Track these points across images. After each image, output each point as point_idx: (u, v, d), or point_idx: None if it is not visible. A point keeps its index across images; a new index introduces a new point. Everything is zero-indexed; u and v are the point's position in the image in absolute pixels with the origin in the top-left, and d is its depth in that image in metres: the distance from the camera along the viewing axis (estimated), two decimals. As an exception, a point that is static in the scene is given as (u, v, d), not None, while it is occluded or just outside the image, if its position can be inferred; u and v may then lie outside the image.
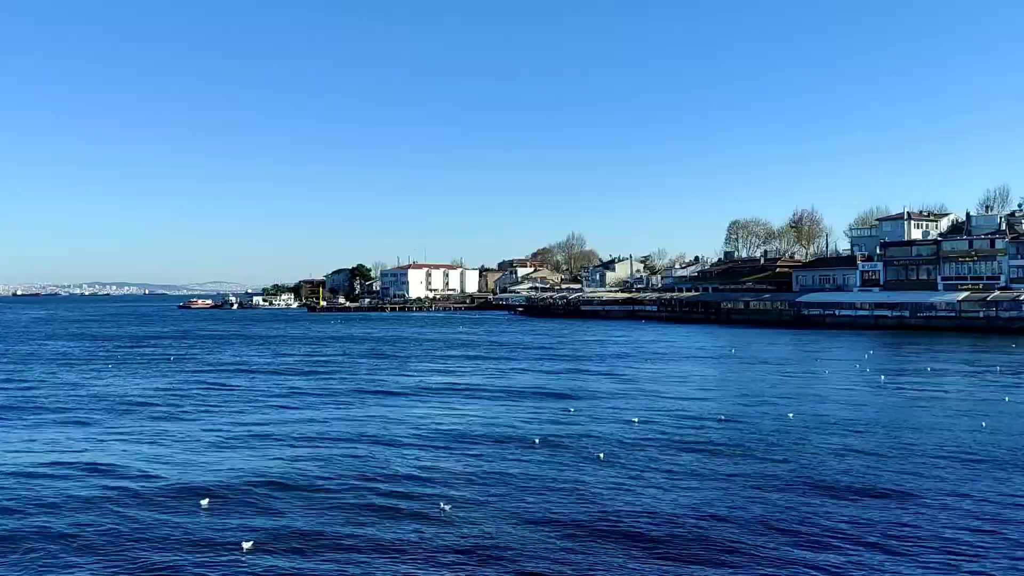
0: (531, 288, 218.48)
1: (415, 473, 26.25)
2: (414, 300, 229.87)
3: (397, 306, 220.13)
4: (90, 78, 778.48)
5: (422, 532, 20.03)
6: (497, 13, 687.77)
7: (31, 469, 27.38)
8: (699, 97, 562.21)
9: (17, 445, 31.90)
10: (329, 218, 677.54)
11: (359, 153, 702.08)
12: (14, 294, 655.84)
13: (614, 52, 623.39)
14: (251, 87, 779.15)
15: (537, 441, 30.81)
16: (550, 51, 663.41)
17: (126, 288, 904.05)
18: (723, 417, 35.97)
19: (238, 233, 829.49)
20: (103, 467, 27.62)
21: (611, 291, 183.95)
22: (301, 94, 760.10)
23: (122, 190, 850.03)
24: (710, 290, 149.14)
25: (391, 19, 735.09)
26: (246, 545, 18.87)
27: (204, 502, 22.56)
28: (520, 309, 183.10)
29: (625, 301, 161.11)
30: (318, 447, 30.80)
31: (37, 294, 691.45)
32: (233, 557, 18.46)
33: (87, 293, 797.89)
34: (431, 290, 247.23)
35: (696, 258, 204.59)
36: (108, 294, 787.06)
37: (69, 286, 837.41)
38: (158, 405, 43.07)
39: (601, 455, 28.15)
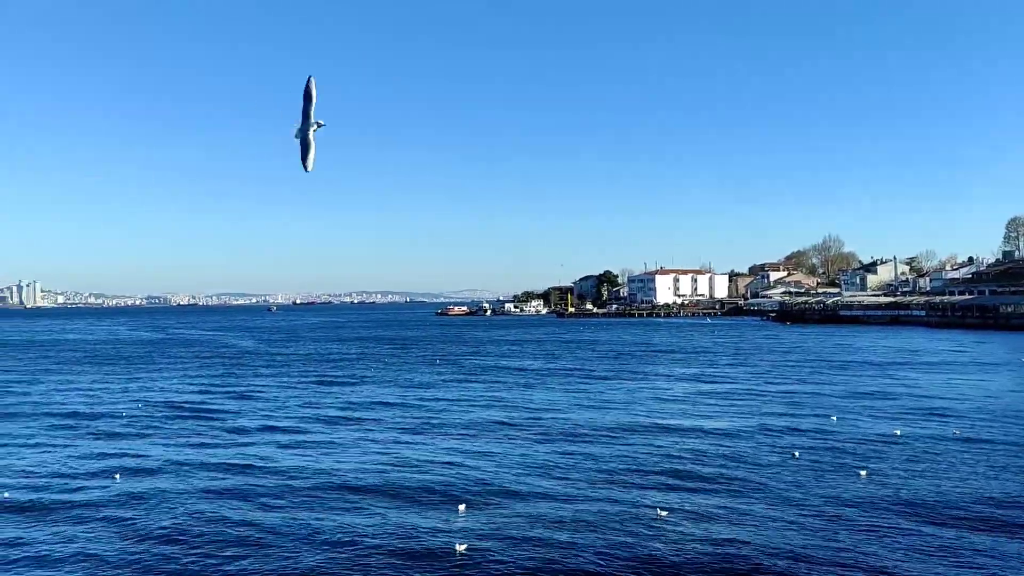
0: (784, 293, 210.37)
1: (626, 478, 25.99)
2: (662, 306, 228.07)
3: (645, 312, 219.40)
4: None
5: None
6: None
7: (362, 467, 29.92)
8: (971, 86, 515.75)
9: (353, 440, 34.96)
10: (577, 226, 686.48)
11: (604, 161, 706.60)
12: (294, 303, 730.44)
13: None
14: (509, 94, 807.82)
15: (797, 455, 29.29)
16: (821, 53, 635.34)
17: (389, 296, 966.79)
18: None
19: (489, 243, 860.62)
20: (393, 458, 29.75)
21: (872, 295, 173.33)
22: (545, 105, 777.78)
23: (384, 203, 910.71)
24: (987, 293, 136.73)
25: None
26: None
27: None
28: (772, 315, 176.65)
29: (888, 305, 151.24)
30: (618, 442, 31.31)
31: (312, 303, 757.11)
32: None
33: (355, 302, 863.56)
34: (679, 295, 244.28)
35: (970, 259, 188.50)
36: (374, 302, 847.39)
37: (340, 295, 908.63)
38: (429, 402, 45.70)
39: (863, 472, 26.18)
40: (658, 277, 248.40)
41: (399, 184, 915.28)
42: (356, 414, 42.17)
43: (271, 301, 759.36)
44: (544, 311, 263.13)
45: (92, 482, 26.84)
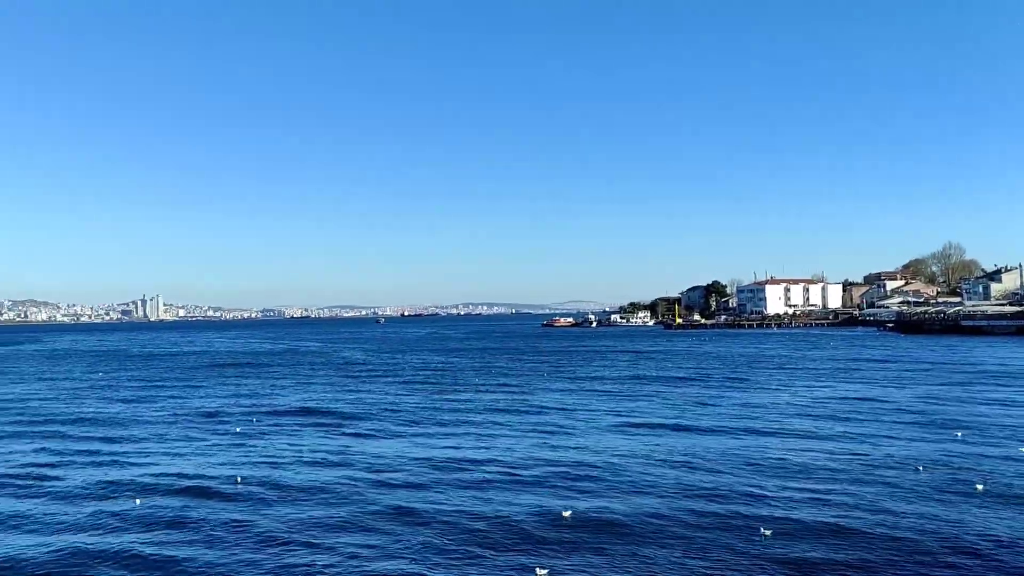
0: (902, 302, 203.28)
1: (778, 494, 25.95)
2: (772, 316, 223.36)
3: (755, 323, 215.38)
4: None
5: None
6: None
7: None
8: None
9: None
10: (684, 236, 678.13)
11: (709, 165, 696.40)
12: (402, 315, 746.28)
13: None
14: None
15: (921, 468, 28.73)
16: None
17: (495, 308, 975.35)
18: None
19: (595, 254, 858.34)
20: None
21: (997, 304, 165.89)
22: (654, 108, 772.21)
23: (490, 216, 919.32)
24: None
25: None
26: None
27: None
28: (890, 325, 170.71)
29: (1014, 315, 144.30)
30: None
31: (420, 315, 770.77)
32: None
33: (462, 313, 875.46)
34: (790, 305, 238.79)
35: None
36: (480, 313, 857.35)
37: (446, 307, 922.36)
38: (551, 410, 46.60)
39: (980, 486, 25.24)
40: (768, 287, 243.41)
41: (504, 195, 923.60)
42: (474, 419, 43.22)
43: (379, 313, 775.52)
44: (651, 322, 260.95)
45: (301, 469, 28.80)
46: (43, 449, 36.66)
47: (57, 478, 29.89)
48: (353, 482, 27.97)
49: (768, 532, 20.77)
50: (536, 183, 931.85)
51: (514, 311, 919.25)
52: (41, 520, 23.86)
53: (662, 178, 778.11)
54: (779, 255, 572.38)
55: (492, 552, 20.00)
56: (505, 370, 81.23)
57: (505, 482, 27.63)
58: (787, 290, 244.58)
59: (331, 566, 19.13)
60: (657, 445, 34.23)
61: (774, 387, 59.14)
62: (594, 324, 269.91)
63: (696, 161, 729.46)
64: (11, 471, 31.43)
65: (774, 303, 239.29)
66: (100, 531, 22.54)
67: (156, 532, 22.27)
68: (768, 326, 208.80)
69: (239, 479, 28.54)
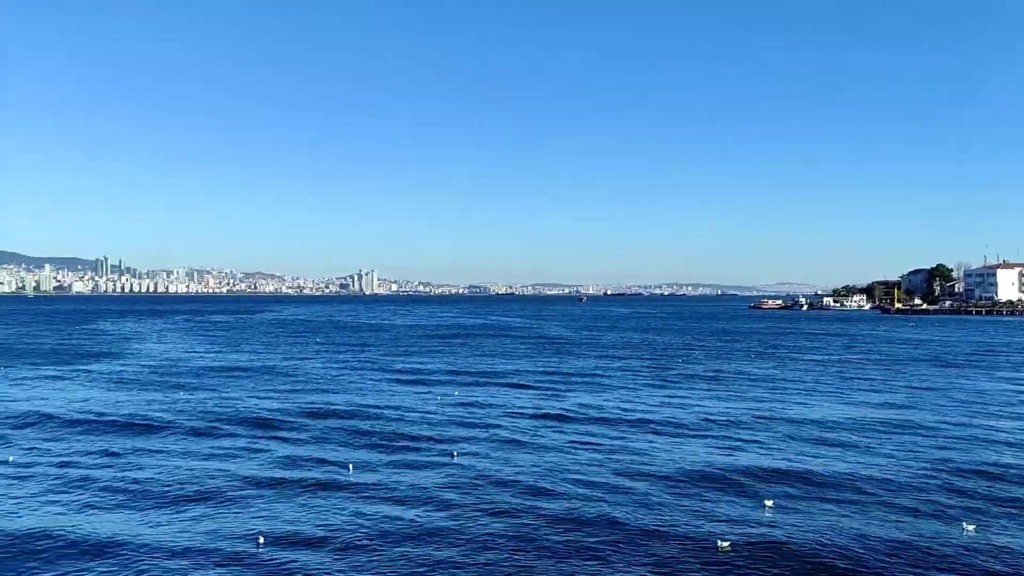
0: None
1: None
2: (1004, 303, 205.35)
3: (983, 309, 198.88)
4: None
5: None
6: None
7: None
8: None
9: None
10: (905, 214, 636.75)
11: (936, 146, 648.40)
12: (604, 293, 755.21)
13: None
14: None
15: None
16: None
17: (700, 289, 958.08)
18: None
19: (805, 234, 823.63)
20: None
21: None
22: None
23: (699, 197, 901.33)
24: None
25: None
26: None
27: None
28: None
29: None
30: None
31: (622, 294, 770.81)
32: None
33: (665, 293, 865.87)
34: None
35: None
36: (684, 294, 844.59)
37: (650, 287, 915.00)
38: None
39: None
40: (1000, 272, 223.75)
41: (708, 176, 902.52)
42: (688, 402, 42.50)
43: (581, 291, 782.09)
44: (867, 306, 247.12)
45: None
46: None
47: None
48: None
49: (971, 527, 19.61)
50: (757, 167, 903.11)
51: (720, 292, 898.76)
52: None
53: (874, 160, 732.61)
54: (1014, 238, 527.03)
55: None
56: (710, 349, 79.36)
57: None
58: (1021, 275, 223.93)
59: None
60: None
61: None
62: (805, 307, 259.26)
63: (922, 140, 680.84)
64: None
65: (1007, 289, 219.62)
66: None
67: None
68: (999, 313, 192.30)
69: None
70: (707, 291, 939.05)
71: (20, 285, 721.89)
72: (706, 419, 35.36)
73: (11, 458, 27.07)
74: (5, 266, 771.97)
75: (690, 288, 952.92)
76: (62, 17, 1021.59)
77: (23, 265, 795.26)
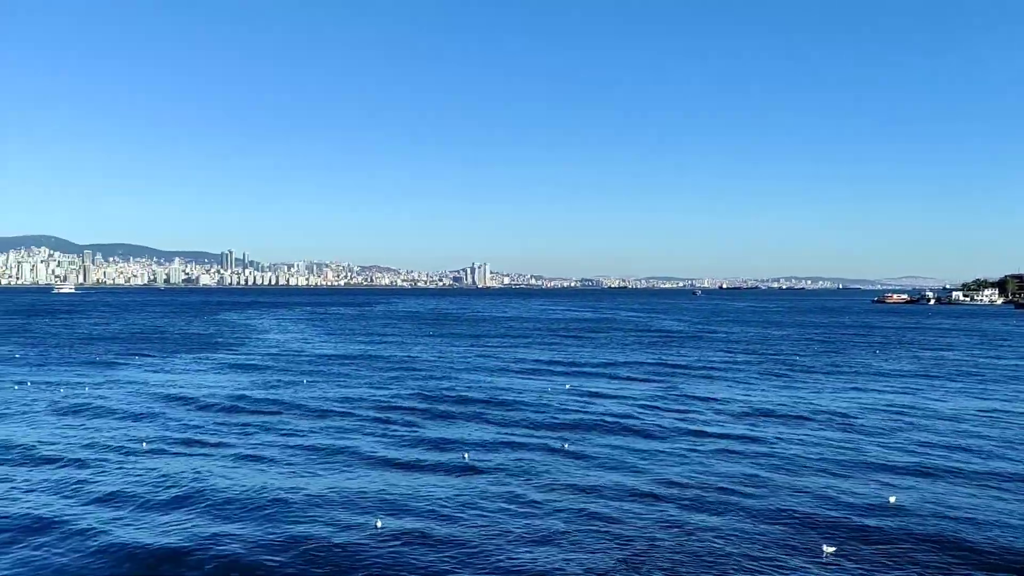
0: None
1: None
2: None
3: None
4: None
5: None
6: None
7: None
8: None
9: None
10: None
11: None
12: (720, 287, 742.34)
13: None
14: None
15: None
16: None
17: (820, 283, 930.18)
18: None
19: (933, 225, 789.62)
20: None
21: None
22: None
23: (818, 190, 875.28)
24: None
25: None
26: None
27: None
28: None
29: None
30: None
31: (739, 287, 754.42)
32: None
33: (784, 287, 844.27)
34: None
35: None
36: (802, 288, 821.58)
37: (767, 280, 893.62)
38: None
39: None
40: None
41: (828, 165, 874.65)
42: (813, 396, 41.82)
43: (696, 285, 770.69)
44: (999, 301, 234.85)
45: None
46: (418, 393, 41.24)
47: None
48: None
49: None
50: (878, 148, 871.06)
51: (840, 286, 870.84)
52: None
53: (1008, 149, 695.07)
54: None
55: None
56: (830, 347, 76.97)
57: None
58: None
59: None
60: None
61: None
62: (932, 302, 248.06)
63: None
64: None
65: None
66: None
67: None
68: None
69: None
70: (827, 285, 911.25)
71: (152, 278, 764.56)
72: (842, 414, 34.79)
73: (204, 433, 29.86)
74: (139, 259, 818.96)
75: (808, 282, 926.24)
76: (206, 14, 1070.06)
77: (155, 259, 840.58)
